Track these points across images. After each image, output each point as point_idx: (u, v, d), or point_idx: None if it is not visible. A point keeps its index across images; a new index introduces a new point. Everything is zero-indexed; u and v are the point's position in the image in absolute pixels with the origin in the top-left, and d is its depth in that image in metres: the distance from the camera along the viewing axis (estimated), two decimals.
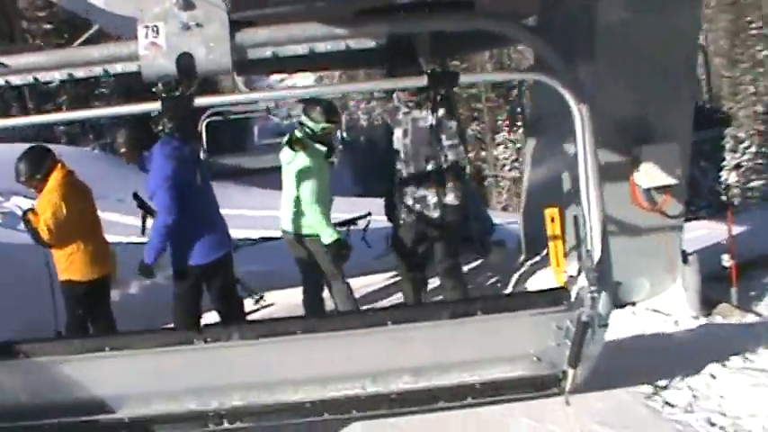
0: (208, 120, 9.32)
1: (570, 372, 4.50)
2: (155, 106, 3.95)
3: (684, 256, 7.72)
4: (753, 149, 58.01)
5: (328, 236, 6.36)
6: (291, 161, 6.51)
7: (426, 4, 4.03)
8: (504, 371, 4.57)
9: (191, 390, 4.48)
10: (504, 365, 4.56)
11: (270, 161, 9.69)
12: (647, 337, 6.89)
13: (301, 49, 3.98)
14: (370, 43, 4.09)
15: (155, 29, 3.80)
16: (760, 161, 57.27)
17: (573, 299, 4.34)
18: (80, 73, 4.13)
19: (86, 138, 42.66)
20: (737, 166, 57.68)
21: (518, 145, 58.34)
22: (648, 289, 7.75)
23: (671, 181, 7.42)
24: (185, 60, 3.81)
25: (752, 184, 56.48)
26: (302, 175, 6.42)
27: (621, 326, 6.81)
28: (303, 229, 6.61)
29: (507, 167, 55.31)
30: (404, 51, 5.72)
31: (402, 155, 6.49)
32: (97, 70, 4.11)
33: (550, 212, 6.72)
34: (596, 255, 4.22)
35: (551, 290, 4.75)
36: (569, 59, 6.93)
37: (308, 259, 6.69)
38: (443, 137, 6.28)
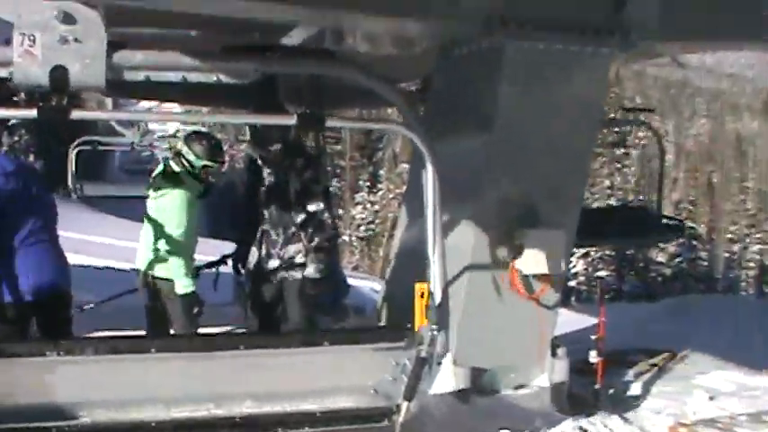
0: (78, 148, 9.09)
1: (404, 405, 4.74)
2: (30, 113, 3.97)
3: (553, 349, 7.53)
4: None
5: (183, 287, 6.07)
6: (161, 195, 6.14)
7: (292, 48, 4.30)
8: (342, 401, 4.76)
9: (31, 405, 4.38)
10: (343, 396, 4.75)
11: (130, 190, 9.57)
12: None
13: (174, 77, 4.17)
14: (240, 80, 4.31)
15: (31, 38, 3.87)
16: (609, 252, 59.89)
17: (414, 336, 4.61)
18: None
19: None
20: (586, 255, 60.15)
21: (376, 207, 59.49)
22: (513, 378, 7.64)
23: (554, 270, 7.27)
24: (59, 73, 3.88)
25: (599, 274, 58.93)
26: (171, 212, 6.10)
27: (484, 415, 6.89)
28: (157, 270, 6.26)
29: (363, 227, 55.99)
30: (270, 95, 5.91)
31: (267, 215, 6.49)
32: None
33: (421, 287, 6.45)
34: (438, 297, 4.58)
35: (393, 327, 5.01)
36: (461, 126, 7.18)
37: (157, 305, 6.42)
38: (309, 204, 6.22)
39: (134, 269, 6.65)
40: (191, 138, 6.31)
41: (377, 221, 57.92)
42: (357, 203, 53.05)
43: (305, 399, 4.72)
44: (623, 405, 7.73)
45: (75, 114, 4.04)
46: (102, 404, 4.49)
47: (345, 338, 4.80)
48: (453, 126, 7.43)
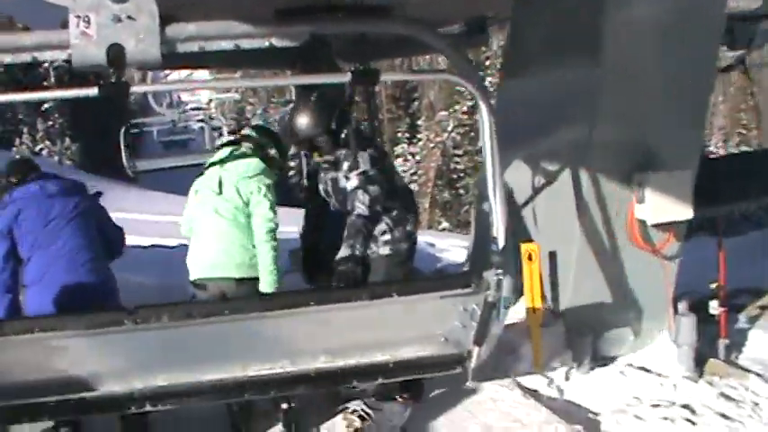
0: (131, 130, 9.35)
1: (475, 351, 4.91)
2: (92, 91, 4.13)
3: (675, 304, 6.82)
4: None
5: (271, 284, 5.51)
6: (247, 176, 5.61)
7: (345, 7, 4.42)
8: (414, 350, 4.94)
9: (115, 371, 4.63)
10: (414, 345, 4.93)
11: (174, 161, 9.78)
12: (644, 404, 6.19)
13: (226, 45, 4.31)
14: (293, 43, 4.43)
15: (86, 19, 4.04)
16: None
17: (480, 282, 4.73)
18: (8, 59, 4.30)
19: None
20: None
21: (417, 157, 59.46)
22: (632, 342, 6.99)
23: (681, 216, 6.58)
24: (115, 51, 4.06)
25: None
26: (262, 200, 5.58)
27: (610, 388, 6.44)
28: (239, 271, 5.55)
29: (406, 180, 56.05)
30: (323, 54, 6.00)
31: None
32: (25, 57, 4.28)
33: (528, 248, 6.09)
34: (501, 242, 4.70)
35: (460, 274, 5.14)
36: (564, 59, 6.81)
37: None
38: (358, 204, 5.62)
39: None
40: (273, 134, 6.18)
41: (420, 172, 57.98)
42: (397, 156, 52.93)
43: (377, 350, 4.90)
44: (752, 359, 7.07)
45: (134, 89, 4.21)
46: (180, 365, 4.73)
47: (413, 288, 4.93)
48: (550, 60, 7.06)
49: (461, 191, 60.91)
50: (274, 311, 4.65)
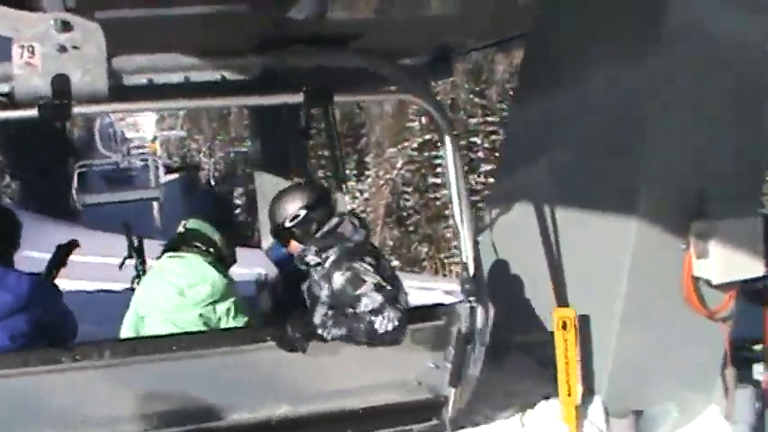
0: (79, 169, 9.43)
1: (452, 395, 4.74)
2: (31, 113, 4.06)
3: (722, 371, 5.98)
4: None
5: None
6: (211, 302, 5.32)
7: (301, 39, 4.40)
8: (384, 397, 4.75)
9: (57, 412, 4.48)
10: (384, 392, 4.76)
11: (116, 196, 9.78)
12: None
13: (176, 78, 4.27)
14: (245, 76, 4.40)
15: (30, 49, 3.98)
16: None
17: (451, 314, 4.62)
18: None
19: None
20: None
21: (366, 195, 59.99)
22: (676, 418, 6.11)
23: (751, 273, 5.59)
24: (60, 81, 3.99)
25: None
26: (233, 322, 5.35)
27: None
28: None
29: None
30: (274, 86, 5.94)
31: None
32: None
33: (562, 315, 5.40)
34: (471, 269, 4.58)
35: (429, 306, 5.00)
36: (603, 70, 5.96)
37: None
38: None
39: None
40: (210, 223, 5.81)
41: (368, 210, 58.16)
42: (345, 193, 53.09)
43: (344, 397, 4.70)
44: None
45: (77, 110, 4.11)
46: (125, 406, 4.55)
47: None
48: (581, 74, 6.21)
49: (411, 228, 61.19)
50: (229, 347, 4.52)
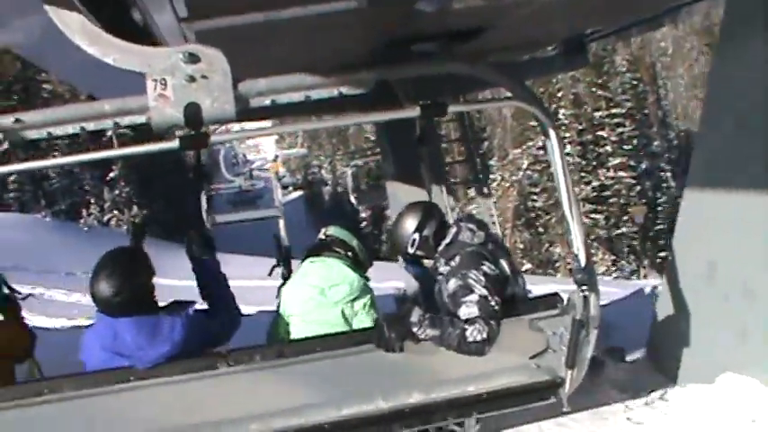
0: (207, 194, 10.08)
1: (568, 376, 5.10)
2: (172, 144, 4.50)
3: None
4: None
5: None
6: (350, 299, 5.73)
7: (431, 35, 4.70)
8: (506, 380, 5.12)
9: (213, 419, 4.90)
10: (505, 375, 5.12)
11: (244, 215, 10.30)
12: None
13: (297, 97, 4.64)
14: (360, 90, 4.74)
15: (163, 81, 4.40)
16: None
17: (566, 302, 5.01)
18: (91, 126, 4.65)
19: (38, 204, 43.06)
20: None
21: (493, 199, 60.00)
22: None
23: None
24: (192, 109, 4.39)
25: None
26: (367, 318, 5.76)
27: None
28: None
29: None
30: (389, 97, 6.27)
31: None
32: (107, 123, 4.64)
33: None
34: (582, 259, 4.93)
35: (544, 296, 5.34)
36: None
37: None
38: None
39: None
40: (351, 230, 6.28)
41: (497, 213, 58.19)
42: (471, 198, 53.30)
43: (470, 383, 5.08)
44: None
45: (214, 138, 4.54)
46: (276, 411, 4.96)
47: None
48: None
49: (541, 229, 60.84)
50: (364, 346, 4.98)
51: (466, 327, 4.84)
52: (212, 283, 5.42)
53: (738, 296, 6.47)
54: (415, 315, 4.91)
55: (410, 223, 5.58)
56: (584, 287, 4.89)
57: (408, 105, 4.81)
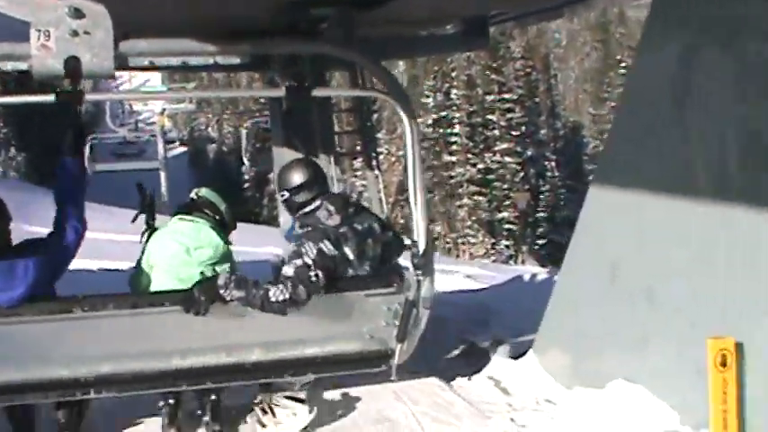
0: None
1: (398, 348, 5.58)
2: (49, 98, 4.78)
3: None
4: None
5: None
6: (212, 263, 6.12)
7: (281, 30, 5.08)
8: (341, 346, 5.58)
9: (63, 357, 5.17)
10: (341, 342, 5.57)
11: (125, 165, 10.52)
12: None
13: (175, 61, 4.98)
14: (235, 61, 5.12)
15: (46, 33, 4.62)
16: None
17: (402, 282, 5.50)
18: None
19: None
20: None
21: (377, 171, 60.38)
22: None
23: None
24: (72, 63, 4.62)
25: None
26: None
27: None
28: None
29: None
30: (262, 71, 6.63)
31: None
32: None
33: (720, 346, 4.76)
34: (422, 245, 5.44)
35: (383, 274, 5.77)
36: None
37: None
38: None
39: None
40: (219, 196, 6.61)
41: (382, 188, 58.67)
42: (356, 170, 53.72)
43: (307, 346, 5.54)
44: None
45: (89, 97, 4.82)
46: (126, 356, 5.29)
47: (340, 286, 5.59)
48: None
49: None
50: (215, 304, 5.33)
51: (269, 287, 5.26)
52: (68, 184, 5.51)
53: (642, 301, 6.30)
54: (222, 278, 5.33)
55: (288, 178, 5.91)
56: (419, 272, 5.42)
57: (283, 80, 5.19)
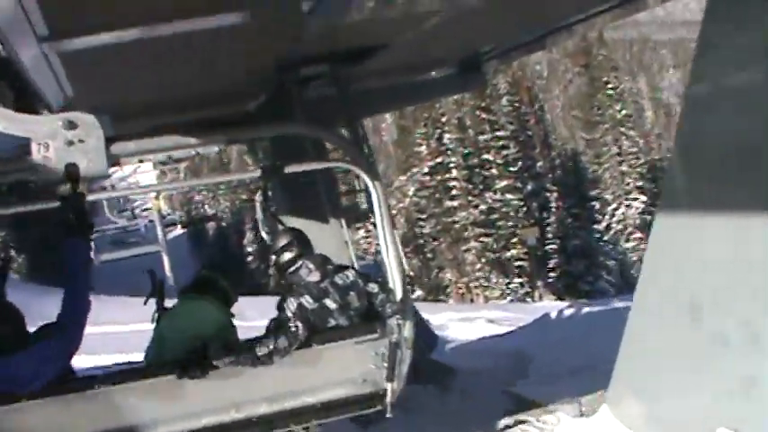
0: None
1: (389, 387, 6.28)
2: (55, 204, 5.49)
3: None
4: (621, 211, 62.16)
5: None
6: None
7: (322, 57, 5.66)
8: (337, 392, 6.28)
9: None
10: (337, 388, 6.29)
11: (129, 252, 11.14)
12: None
13: (162, 156, 5.71)
14: (215, 148, 5.88)
15: (45, 145, 5.32)
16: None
17: (384, 328, 6.23)
18: None
19: None
20: (607, 228, 61.63)
21: None
22: None
23: None
24: (71, 168, 5.31)
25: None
26: None
27: None
28: None
29: (371, 250, 57.34)
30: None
31: None
32: None
33: None
34: (399, 293, 6.20)
35: (366, 323, 6.48)
36: None
37: None
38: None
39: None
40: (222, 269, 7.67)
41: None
42: (358, 228, 54.25)
43: (306, 395, 6.23)
44: None
45: (91, 197, 5.52)
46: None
47: (330, 337, 6.33)
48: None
49: (430, 255, 62.20)
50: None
51: (255, 345, 6.08)
52: (72, 266, 5.58)
53: (739, 341, 5.93)
54: (212, 348, 6.03)
55: (273, 243, 6.74)
56: (398, 316, 6.17)
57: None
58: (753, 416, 5.72)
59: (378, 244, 6.43)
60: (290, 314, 6.30)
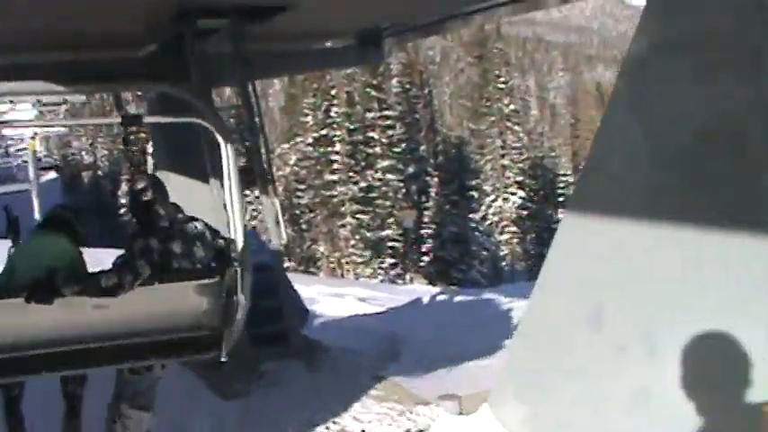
0: None
1: (226, 332, 6.57)
2: None
3: None
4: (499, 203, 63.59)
5: None
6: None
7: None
8: (176, 333, 6.48)
9: None
10: (175, 328, 6.47)
11: None
12: None
13: (31, 100, 5.89)
14: (83, 98, 6.08)
15: None
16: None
17: (224, 275, 6.52)
18: None
19: None
20: (483, 218, 62.88)
21: (256, 193, 60.42)
22: None
23: None
24: None
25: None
26: None
27: None
28: None
29: (247, 218, 57.24)
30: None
31: None
32: None
33: None
34: (240, 244, 6.66)
35: (208, 270, 6.84)
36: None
37: None
38: None
39: None
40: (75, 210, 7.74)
41: (260, 208, 59.18)
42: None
43: (145, 333, 6.40)
44: None
45: None
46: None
47: (171, 278, 6.55)
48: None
49: (305, 226, 62.44)
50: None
51: (101, 276, 6.32)
52: None
53: (636, 352, 5.86)
54: (59, 276, 6.24)
55: (133, 188, 7.04)
56: (238, 264, 6.61)
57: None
58: (640, 428, 5.74)
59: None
60: (136, 252, 6.58)
